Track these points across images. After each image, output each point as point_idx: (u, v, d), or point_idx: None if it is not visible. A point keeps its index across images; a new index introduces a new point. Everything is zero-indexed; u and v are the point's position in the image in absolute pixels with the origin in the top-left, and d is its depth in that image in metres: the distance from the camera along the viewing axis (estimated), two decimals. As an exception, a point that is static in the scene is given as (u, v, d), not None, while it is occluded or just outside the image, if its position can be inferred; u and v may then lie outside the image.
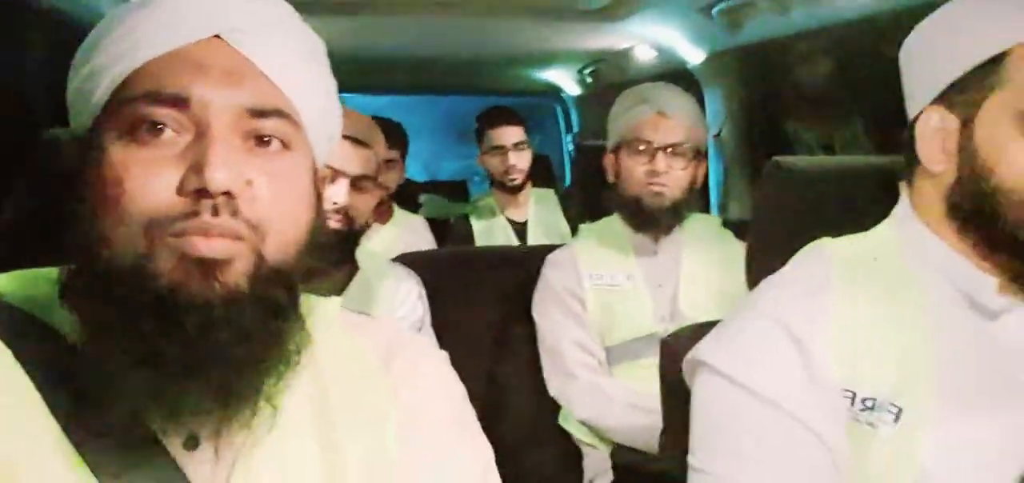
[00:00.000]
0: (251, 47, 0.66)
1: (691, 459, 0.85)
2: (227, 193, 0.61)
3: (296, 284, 0.67)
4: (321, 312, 0.75)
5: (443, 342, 1.68)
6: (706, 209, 2.75)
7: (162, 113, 0.62)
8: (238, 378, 0.62)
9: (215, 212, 0.60)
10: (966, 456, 0.78)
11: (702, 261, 1.78)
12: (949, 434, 0.78)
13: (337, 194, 1.39)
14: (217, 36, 0.65)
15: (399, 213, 2.73)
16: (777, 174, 1.16)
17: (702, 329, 0.98)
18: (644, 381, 1.59)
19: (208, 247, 0.60)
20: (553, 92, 4.13)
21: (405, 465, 0.71)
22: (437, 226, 2.81)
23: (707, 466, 0.83)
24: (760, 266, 1.14)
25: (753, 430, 0.80)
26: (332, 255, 1.43)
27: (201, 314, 0.60)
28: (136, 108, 0.62)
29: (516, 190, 2.79)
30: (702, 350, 0.87)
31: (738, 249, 1.77)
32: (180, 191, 0.61)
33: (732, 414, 0.82)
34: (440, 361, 0.80)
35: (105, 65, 0.65)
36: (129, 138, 0.62)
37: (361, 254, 1.52)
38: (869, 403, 0.79)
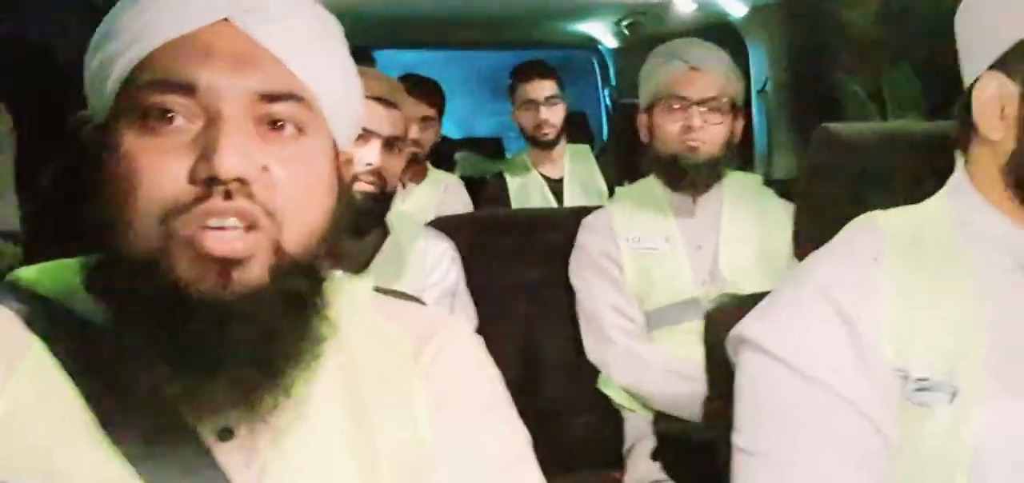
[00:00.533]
0: (261, 29, 0.64)
1: (735, 438, 0.83)
2: (240, 179, 0.60)
3: (319, 272, 0.66)
4: (351, 294, 0.74)
5: (479, 306, 1.71)
6: (749, 167, 2.69)
7: (171, 101, 0.61)
8: (256, 373, 0.61)
9: (228, 196, 0.59)
10: (1021, 435, 0.75)
11: (742, 221, 1.74)
12: (1004, 413, 0.75)
13: (369, 154, 1.38)
14: (226, 19, 0.64)
15: (434, 172, 2.71)
16: (825, 140, 1.12)
17: (747, 301, 0.96)
18: (684, 346, 1.57)
19: (224, 246, 0.59)
20: (590, 45, 4.06)
21: (436, 451, 0.70)
22: (472, 184, 2.79)
23: (752, 446, 0.81)
24: (808, 235, 1.11)
25: (800, 411, 0.78)
26: (366, 219, 1.42)
27: (215, 311, 0.59)
28: (145, 96, 0.61)
29: (549, 146, 2.75)
30: (748, 326, 0.85)
31: (780, 208, 1.73)
32: (191, 179, 0.60)
33: (779, 394, 0.80)
34: (473, 344, 0.78)
35: (116, 53, 0.64)
36: (140, 127, 0.61)
37: (393, 217, 1.51)
38: (923, 383, 0.76)
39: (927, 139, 1.03)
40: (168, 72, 0.61)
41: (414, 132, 2.59)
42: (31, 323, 0.63)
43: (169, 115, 0.61)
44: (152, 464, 0.60)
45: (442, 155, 3.14)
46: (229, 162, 0.59)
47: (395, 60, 3.65)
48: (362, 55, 3.33)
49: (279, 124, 0.64)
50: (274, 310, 0.62)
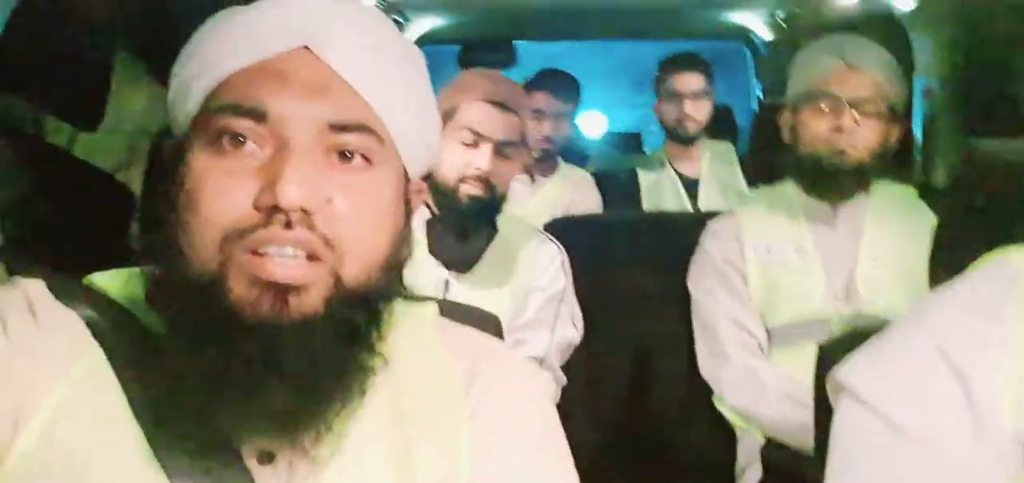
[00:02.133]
0: (337, 59, 0.64)
1: (825, 493, 0.74)
2: (303, 209, 0.60)
3: (377, 302, 0.66)
4: (414, 319, 0.73)
5: (595, 311, 1.67)
6: (908, 173, 2.45)
7: (242, 125, 0.62)
8: (302, 404, 0.61)
9: (288, 226, 0.60)
10: None
11: (888, 235, 1.59)
12: None
13: (480, 159, 1.38)
14: (304, 48, 0.64)
15: (564, 166, 2.68)
16: (974, 160, 0.99)
17: (868, 337, 0.86)
18: (807, 369, 1.44)
19: (283, 272, 0.60)
20: (741, 36, 3.85)
21: None
22: (604, 180, 2.73)
23: (843, 505, 0.72)
24: (944, 264, 0.99)
25: (900, 473, 0.69)
26: (470, 222, 1.42)
27: (268, 338, 0.60)
28: (218, 120, 0.63)
29: (689, 142, 2.63)
30: (847, 371, 0.75)
31: (931, 223, 1.55)
32: (256, 205, 0.60)
33: (876, 453, 0.70)
34: (529, 381, 0.75)
35: (195, 75, 0.65)
36: (212, 149, 0.63)
37: (502, 219, 1.49)
38: None
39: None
40: (241, 97, 0.63)
41: (547, 128, 2.58)
42: (95, 328, 0.66)
43: (241, 139, 0.62)
44: (191, 480, 0.61)
45: (577, 150, 3.09)
46: (293, 192, 0.59)
47: (537, 51, 3.63)
48: (503, 46, 3.35)
49: (348, 154, 0.64)
50: (326, 340, 0.62)
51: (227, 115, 0.62)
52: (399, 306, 0.70)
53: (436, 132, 0.73)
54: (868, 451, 0.71)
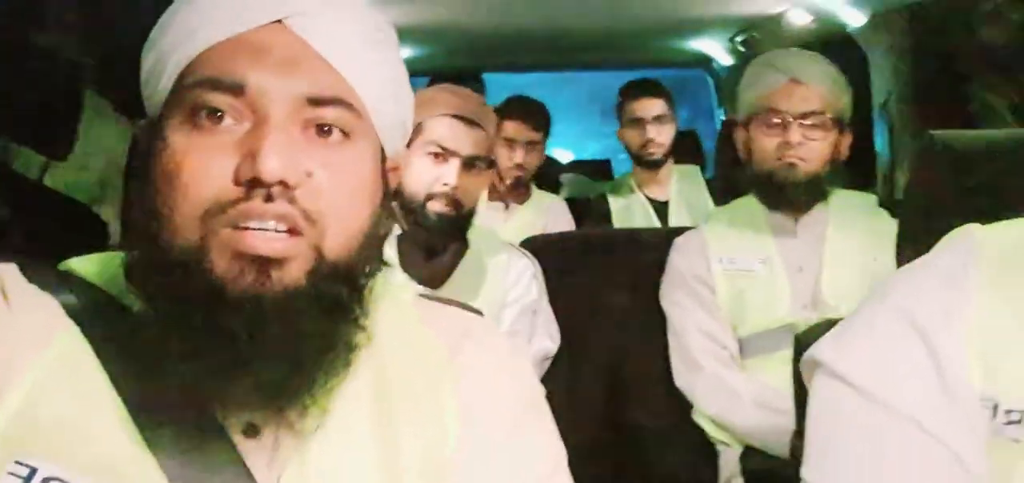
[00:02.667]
0: (313, 32, 0.64)
1: (804, 471, 0.75)
2: (282, 182, 0.60)
3: (359, 278, 0.66)
4: (393, 298, 0.73)
5: (570, 328, 1.67)
6: (871, 187, 2.51)
7: (219, 100, 0.62)
8: (286, 374, 0.61)
9: (269, 199, 0.60)
10: None
11: (849, 242, 1.62)
12: None
13: (447, 174, 1.38)
14: (279, 21, 0.64)
15: (537, 193, 2.70)
16: (933, 150, 1.03)
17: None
18: (780, 376, 1.46)
19: (264, 245, 0.60)
20: (703, 62, 3.94)
21: (462, 461, 0.67)
22: (577, 207, 2.76)
23: (821, 480, 0.73)
24: (910, 253, 1.02)
25: (875, 443, 0.70)
26: (440, 238, 1.42)
27: (251, 312, 0.59)
28: (195, 95, 0.62)
29: (656, 166, 2.68)
30: (820, 348, 0.77)
31: (893, 230, 1.59)
32: (235, 180, 0.60)
33: (851, 424, 0.72)
34: (511, 354, 0.75)
35: (169, 51, 0.65)
36: (190, 125, 0.62)
37: (473, 233, 1.50)
38: (1015, 416, 0.67)
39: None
40: (218, 71, 0.62)
41: (519, 156, 2.61)
42: (71, 309, 0.65)
43: (218, 114, 0.62)
44: (176, 455, 0.61)
45: (548, 177, 3.12)
46: (272, 164, 0.59)
47: (505, 83, 3.68)
48: (471, 78, 3.38)
49: (326, 129, 0.64)
50: (310, 313, 0.61)
51: (204, 89, 0.62)
52: (379, 285, 0.70)
53: (410, 109, 0.74)
54: (844, 422, 0.73)
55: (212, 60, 0.63)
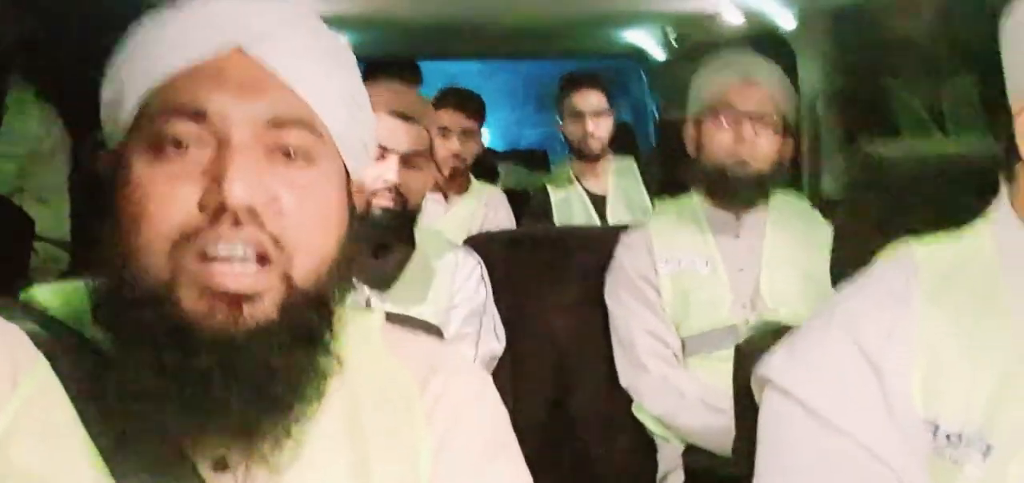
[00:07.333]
0: (271, 57, 0.64)
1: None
2: (249, 208, 0.59)
3: (329, 304, 0.66)
4: (361, 327, 0.73)
5: (515, 327, 1.69)
6: (798, 185, 2.61)
7: (181, 128, 0.61)
8: (258, 415, 0.61)
9: (236, 222, 0.59)
10: None
11: (786, 244, 1.69)
12: None
13: (387, 172, 1.37)
14: (237, 49, 0.64)
15: (476, 184, 2.70)
16: (866, 163, 1.08)
17: (781, 333, 0.92)
18: (721, 376, 1.51)
19: (234, 282, 0.59)
20: (637, 55, 4.01)
21: None
22: (515, 197, 2.77)
23: (772, 495, 0.77)
24: (845, 264, 1.07)
25: (823, 460, 0.74)
26: (386, 236, 1.41)
27: (223, 350, 0.59)
28: (156, 124, 0.62)
29: (594, 159, 2.72)
30: (770, 365, 0.81)
31: (826, 232, 1.66)
32: (201, 207, 0.60)
33: (799, 441, 0.76)
34: (480, 383, 0.76)
35: (129, 81, 0.64)
36: (152, 155, 0.61)
37: (420, 233, 1.50)
38: (954, 438, 0.71)
39: (976, 160, 0.98)
40: (178, 100, 0.62)
41: (455, 145, 2.60)
42: (39, 342, 0.63)
43: (180, 144, 0.61)
44: None
45: (486, 167, 3.13)
46: (238, 190, 0.59)
47: (440, 70, 3.67)
48: (406, 66, 3.36)
49: (289, 153, 0.63)
50: (282, 346, 0.61)
51: (166, 119, 0.61)
52: (345, 314, 0.69)
53: (371, 129, 0.73)
54: (792, 438, 0.76)
55: (173, 89, 0.62)
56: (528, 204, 2.77)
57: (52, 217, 1.99)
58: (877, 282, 0.81)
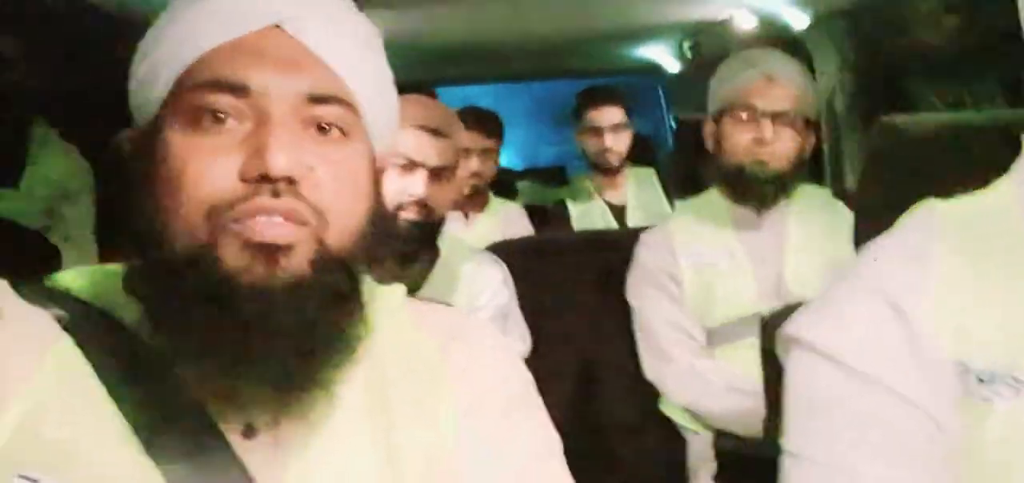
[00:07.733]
0: (310, 35, 0.66)
1: (785, 443, 0.78)
2: (289, 178, 0.61)
3: (357, 271, 0.67)
4: (384, 300, 0.74)
5: (538, 330, 1.69)
6: (820, 181, 2.59)
7: (222, 101, 0.63)
8: (296, 366, 0.62)
9: (275, 194, 0.61)
10: None
11: (811, 233, 1.67)
12: None
13: (414, 186, 1.38)
14: (276, 25, 0.66)
15: (495, 201, 2.71)
16: (886, 133, 1.07)
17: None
18: (747, 364, 1.50)
19: (272, 232, 0.61)
20: (653, 70, 4.02)
21: (463, 455, 0.68)
22: (534, 213, 2.78)
23: (803, 450, 0.75)
24: (867, 233, 1.06)
25: (853, 411, 0.73)
26: (409, 246, 1.42)
27: (261, 301, 0.60)
28: (197, 97, 0.63)
29: (613, 172, 2.72)
30: (795, 324, 0.80)
31: (849, 220, 1.64)
32: (242, 177, 0.61)
33: (829, 394, 0.75)
34: (502, 347, 0.77)
35: (166, 57, 0.66)
36: (191, 128, 0.63)
37: (444, 241, 1.51)
38: (984, 376, 0.70)
39: (995, 129, 0.96)
40: (220, 73, 0.63)
41: (474, 164, 2.62)
42: (64, 321, 0.65)
43: (220, 116, 0.63)
44: (178, 460, 0.61)
45: (504, 186, 3.14)
46: (279, 160, 0.60)
47: (456, 94, 3.70)
48: (423, 91, 3.39)
49: (325, 127, 0.66)
50: (316, 301, 0.63)
51: (206, 92, 0.63)
52: (367, 290, 0.71)
53: (396, 111, 0.75)
54: (821, 392, 0.75)
55: (212, 63, 0.64)
56: (546, 218, 2.77)
57: (78, 256, 2.03)
58: (898, 239, 0.80)
